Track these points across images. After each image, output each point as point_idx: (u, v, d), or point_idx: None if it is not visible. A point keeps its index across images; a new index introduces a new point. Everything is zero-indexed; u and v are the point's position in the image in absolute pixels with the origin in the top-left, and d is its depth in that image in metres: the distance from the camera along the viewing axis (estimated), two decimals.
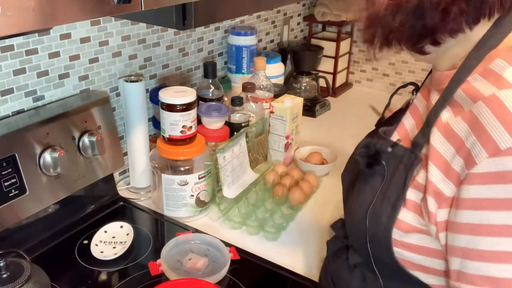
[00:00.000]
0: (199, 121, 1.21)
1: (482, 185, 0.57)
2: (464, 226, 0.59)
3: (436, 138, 0.63)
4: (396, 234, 0.67)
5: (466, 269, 0.60)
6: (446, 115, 0.64)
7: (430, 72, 0.79)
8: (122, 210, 1.20)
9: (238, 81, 1.57)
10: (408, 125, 0.76)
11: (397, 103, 0.88)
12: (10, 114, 1.02)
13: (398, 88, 0.90)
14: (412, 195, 0.66)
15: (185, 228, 1.12)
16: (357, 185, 0.75)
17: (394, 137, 0.75)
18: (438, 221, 0.63)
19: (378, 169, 0.70)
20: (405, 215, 0.66)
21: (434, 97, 0.70)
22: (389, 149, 0.69)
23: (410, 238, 0.67)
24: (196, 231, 1.11)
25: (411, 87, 0.85)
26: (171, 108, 1.09)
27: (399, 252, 0.68)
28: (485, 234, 0.57)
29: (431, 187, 0.62)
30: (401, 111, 0.83)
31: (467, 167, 0.58)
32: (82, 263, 0.99)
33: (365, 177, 0.73)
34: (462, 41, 0.64)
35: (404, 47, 0.67)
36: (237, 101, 1.30)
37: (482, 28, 0.63)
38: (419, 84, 0.84)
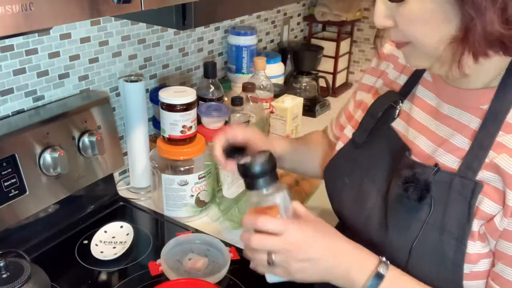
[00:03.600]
0: (199, 121, 1.21)
1: None
2: None
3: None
4: (467, 269, 0.64)
5: (503, 274, 0.61)
6: (507, 138, 0.61)
7: (409, 80, 0.76)
8: (122, 210, 1.20)
9: (238, 81, 1.57)
10: (423, 144, 0.72)
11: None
12: (10, 114, 1.02)
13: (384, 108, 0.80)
14: (476, 226, 0.63)
15: (185, 228, 1.12)
16: (393, 218, 0.70)
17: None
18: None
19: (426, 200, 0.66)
20: (473, 247, 0.63)
21: (463, 116, 0.67)
22: (431, 178, 0.65)
23: (479, 266, 0.64)
24: (196, 231, 1.11)
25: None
26: (171, 108, 1.09)
27: (469, 285, 0.65)
28: None
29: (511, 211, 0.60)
30: (383, 121, 0.78)
31: None
32: (82, 263, 0.99)
33: (407, 209, 0.68)
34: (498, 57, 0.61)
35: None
36: (237, 101, 1.30)
37: None
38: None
